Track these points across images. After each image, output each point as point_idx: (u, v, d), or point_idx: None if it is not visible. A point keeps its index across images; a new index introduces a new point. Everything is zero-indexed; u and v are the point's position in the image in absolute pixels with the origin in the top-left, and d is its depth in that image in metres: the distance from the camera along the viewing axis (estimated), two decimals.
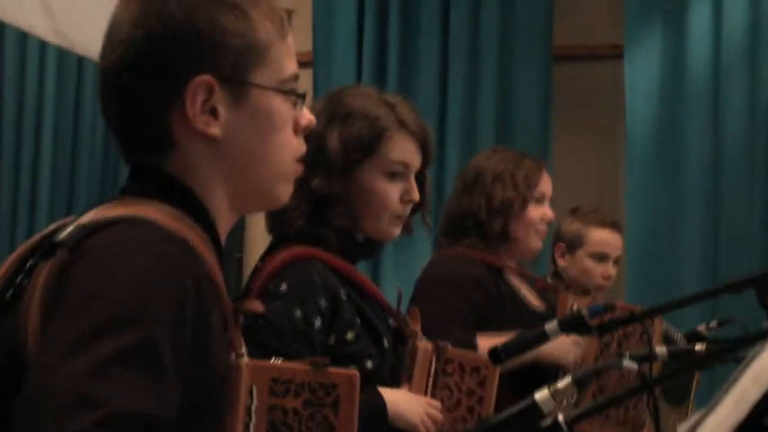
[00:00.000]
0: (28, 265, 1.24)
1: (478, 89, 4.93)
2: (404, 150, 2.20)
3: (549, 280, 3.42)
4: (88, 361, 1.06)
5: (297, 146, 1.36)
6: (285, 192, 1.37)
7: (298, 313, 2.00)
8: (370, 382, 1.97)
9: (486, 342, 2.52)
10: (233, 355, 1.28)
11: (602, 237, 3.41)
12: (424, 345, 2.08)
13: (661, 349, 2.34)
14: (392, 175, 2.19)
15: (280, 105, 1.33)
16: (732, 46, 4.58)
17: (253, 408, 1.36)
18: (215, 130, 1.29)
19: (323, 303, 2.03)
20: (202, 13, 1.28)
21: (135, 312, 1.10)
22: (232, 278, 4.96)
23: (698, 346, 2.39)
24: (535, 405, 1.38)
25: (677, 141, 4.65)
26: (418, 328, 2.17)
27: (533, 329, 2.14)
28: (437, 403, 2.08)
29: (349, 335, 2.06)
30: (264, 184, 1.34)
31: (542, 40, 4.92)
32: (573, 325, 2.03)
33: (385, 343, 2.13)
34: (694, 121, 4.62)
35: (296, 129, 1.36)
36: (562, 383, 1.38)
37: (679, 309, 2.12)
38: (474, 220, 2.88)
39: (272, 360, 1.60)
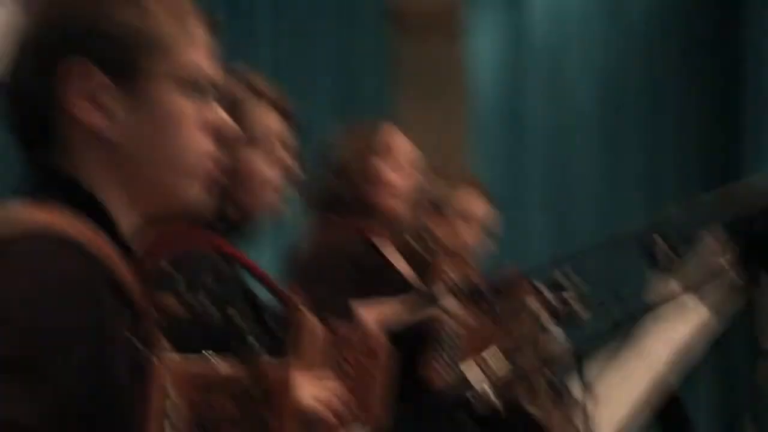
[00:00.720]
0: None
1: (316, 62, 4.88)
2: (261, 116, 2.15)
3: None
4: None
5: (203, 144, 1.26)
6: (192, 192, 1.27)
7: (182, 287, 1.93)
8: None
9: (365, 311, 2.50)
10: (146, 351, 1.20)
11: (469, 198, 3.36)
12: (312, 319, 2.04)
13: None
14: (253, 142, 2.14)
15: (180, 98, 1.24)
16: (569, 13, 4.72)
17: (170, 406, 1.28)
18: (99, 119, 1.20)
19: (210, 281, 1.97)
20: (87, 3, 1.22)
21: (20, 321, 1.05)
22: None
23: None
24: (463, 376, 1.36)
25: (520, 108, 4.77)
26: (299, 302, 2.12)
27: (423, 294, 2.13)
28: (332, 383, 2.03)
29: (231, 312, 2.01)
30: (162, 181, 1.25)
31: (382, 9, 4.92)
32: (460, 288, 2.03)
33: (267, 320, 2.09)
34: (535, 83, 4.75)
35: (206, 128, 1.27)
36: (489, 353, 1.36)
37: (559, 265, 2.15)
38: (332, 194, 2.87)
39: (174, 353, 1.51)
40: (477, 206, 3.40)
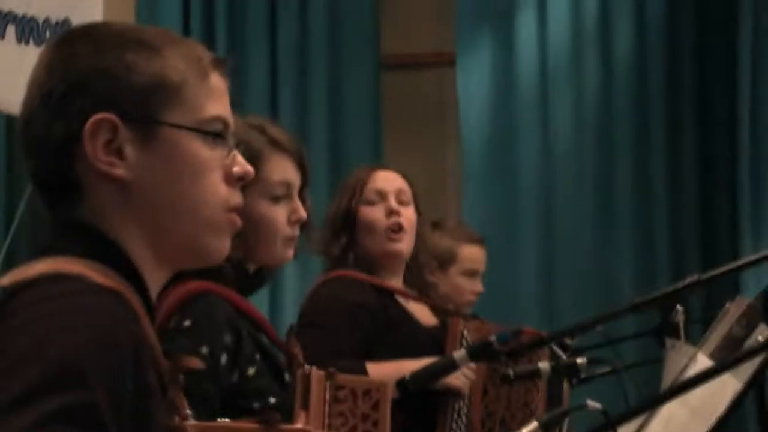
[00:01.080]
0: None
1: (309, 99, 4.89)
2: (283, 170, 2.13)
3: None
4: (21, 423, 0.97)
5: (226, 195, 1.25)
6: (216, 246, 1.25)
7: (204, 349, 1.89)
8: None
9: (376, 370, 2.47)
10: (176, 419, 1.19)
11: (472, 254, 3.38)
12: (316, 373, 2.01)
13: (543, 365, 2.38)
14: (276, 198, 2.11)
15: (198, 148, 1.23)
16: (557, 50, 4.75)
17: None
18: (120, 171, 1.19)
19: (228, 338, 1.94)
20: (109, 52, 1.21)
21: (71, 372, 1.02)
22: None
23: (579, 360, 2.44)
24: None
25: (510, 147, 4.77)
26: (301, 359, 2.09)
27: (441, 358, 2.11)
28: None
29: (251, 371, 1.98)
30: (185, 235, 1.23)
31: (370, 49, 4.92)
32: (482, 353, 2.01)
33: (287, 377, 2.05)
34: (525, 126, 4.76)
35: (228, 177, 1.25)
36: (528, 428, 1.35)
37: (585, 332, 2.14)
38: (337, 246, 2.81)
39: (218, 420, 1.49)
40: (478, 261, 3.39)
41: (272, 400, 1.99)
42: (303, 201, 2.16)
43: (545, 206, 4.73)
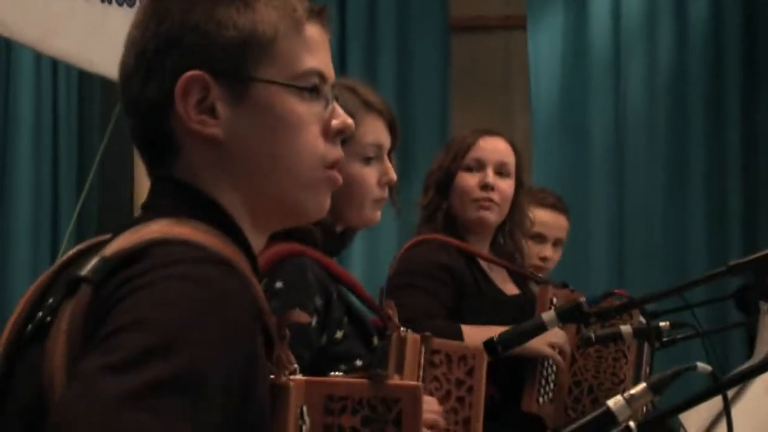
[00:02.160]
0: (51, 301, 1.13)
1: (377, 62, 4.87)
2: (376, 131, 2.12)
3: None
4: (123, 388, 0.94)
5: (324, 150, 1.22)
6: (315, 203, 1.24)
7: (297, 311, 1.90)
8: None
9: (469, 332, 2.46)
10: (283, 373, 1.18)
11: (540, 217, 3.28)
12: (412, 336, 2.00)
13: (626, 328, 2.36)
14: (367, 159, 2.11)
15: (294, 103, 1.20)
16: (631, 13, 4.68)
17: (305, 429, 1.25)
18: (214, 129, 1.17)
19: (318, 301, 1.94)
20: (199, 7, 1.19)
21: (178, 340, 0.99)
22: None
23: (662, 323, 2.42)
24: (609, 413, 1.33)
25: (581, 111, 4.72)
26: (397, 321, 2.08)
27: (530, 320, 2.10)
28: (433, 400, 2.00)
29: (339, 334, 1.98)
30: (282, 194, 1.21)
31: (439, 12, 4.89)
32: (572, 315, 2.00)
33: (375, 341, 2.05)
34: (597, 91, 4.71)
35: (326, 132, 1.23)
36: (637, 389, 1.34)
37: (678, 294, 2.11)
38: (431, 204, 2.82)
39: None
40: (547, 225, 3.35)
41: (359, 363, 1.99)
42: (392, 163, 2.16)
43: (616, 172, 4.68)
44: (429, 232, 2.79)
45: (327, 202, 1.26)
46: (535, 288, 2.89)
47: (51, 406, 1.02)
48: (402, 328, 2.02)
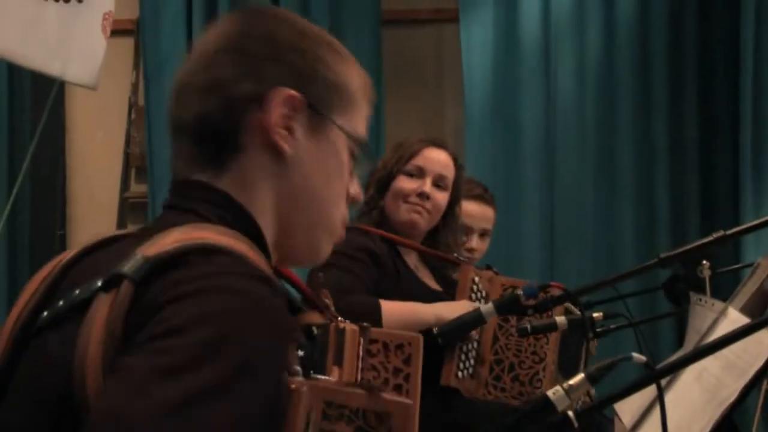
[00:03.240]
0: (77, 292, 1.13)
1: None
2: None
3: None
4: (168, 396, 0.96)
5: (344, 209, 1.33)
6: (326, 249, 1.33)
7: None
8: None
9: (389, 307, 2.49)
10: (294, 377, 1.20)
11: (466, 209, 3.34)
12: (350, 327, 2.03)
13: (560, 319, 2.42)
14: None
15: (347, 157, 1.30)
16: (560, 5, 4.75)
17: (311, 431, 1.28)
18: (287, 145, 1.24)
19: None
20: (308, 41, 1.28)
21: (222, 350, 1.01)
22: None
23: (595, 314, 2.48)
24: (548, 402, 1.37)
25: (512, 103, 4.78)
26: (334, 311, 2.11)
27: (470, 312, 2.13)
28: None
29: None
30: (312, 230, 1.30)
31: (371, 5, 4.92)
32: (509, 306, 2.04)
33: (314, 330, 2.07)
34: (528, 83, 4.76)
35: (347, 194, 1.33)
36: (576, 380, 1.38)
37: (611, 286, 2.17)
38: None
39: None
40: (473, 217, 3.39)
41: (300, 353, 2.00)
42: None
43: (547, 164, 4.75)
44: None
45: (330, 251, 1.35)
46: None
47: (82, 394, 1.04)
48: (340, 319, 2.04)
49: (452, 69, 4.99)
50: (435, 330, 2.07)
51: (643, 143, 4.74)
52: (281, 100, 1.23)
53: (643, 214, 4.73)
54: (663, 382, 1.55)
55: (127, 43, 5.09)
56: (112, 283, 1.09)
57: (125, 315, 1.06)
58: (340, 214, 1.31)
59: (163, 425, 0.95)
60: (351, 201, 1.34)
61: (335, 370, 1.93)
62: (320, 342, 2.01)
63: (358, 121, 1.31)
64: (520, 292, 2.10)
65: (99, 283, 1.10)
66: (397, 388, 2.17)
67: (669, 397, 1.72)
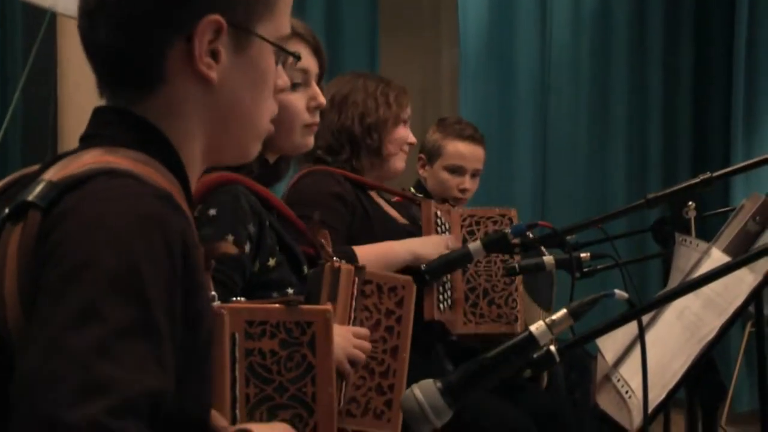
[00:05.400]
0: None
1: (307, 3, 4.84)
2: (301, 57, 2.14)
3: (412, 191, 3.43)
4: (89, 340, 0.98)
5: (273, 106, 1.31)
6: (256, 149, 1.32)
7: (230, 238, 1.91)
8: None
9: (364, 252, 2.51)
10: (211, 302, 1.22)
11: (458, 149, 3.39)
12: (345, 267, 2.04)
13: (548, 258, 2.43)
14: (294, 85, 2.12)
15: (272, 62, 1.27)
16: None
17: (237, 352, 1.31)
18: (214, 73, 1.22)
19: (252, 228, 1.96)
20: None
21: (130, 282, 1.02)
22: None
23: (583, 254, 2.50)
24: (531, 337, 1.39)
25: (507, 45, 4.76)
26: (330, 249, 2.11)
27: (457, 249, 2.14)
28: (364, 331, 2.04)
29: (271, 262, 2.00)
30: (242, 139, 1.29)
31: None
32: (497, 245, 2.05)
33: (305, 270, 2.08)
34: (523, 24, 4.75)
35: (274, 89, 1.31)
36: (558, 315, 1.40)
37: (599, 226, 2.18)
38: (348, 137, 2.85)
39: (238, 300, 1.53)
40: (465, 157, 3.40)
41: (290, 291, 2.02)
42: (320, 89, 2.18)
43: (541, 105, 4.75)
44: (333, 160, 2.85)
45: (260, 148, 1.33)
46: None
47: (2, 326, 1.05)
48: (335, 258, 2.05)
49: (449, 11, 4.96)
50: (423, 267, 2.08)
51: (636, 86, 4.74)
52: (205, 29, 1.19)
53: (635, 158, 4.75)
54: (645, 319, 1.57)
55: None
56: (20, 211, 1.09)
57: (35, 244, 1.07)
58: (267, 114, 1.29)
59: (84, 374, 0.97)
60: (280, 92, 1.33)
61: (329, 306, 1.95)
62: (313, 279, 2.04)
63: (282, 18, 1.27)
64: (508, 230, 2.11)
65: (6, 212, 1.10)
66: (389, 330, 2.19)
67: (650, 335, 1.74)
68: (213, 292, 1.28)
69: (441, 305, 2.71)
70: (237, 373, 1.36)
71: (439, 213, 2.79)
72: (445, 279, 2.72)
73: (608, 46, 4.74)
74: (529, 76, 4.75)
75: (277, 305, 1.48)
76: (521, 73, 4.75)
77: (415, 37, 5.07)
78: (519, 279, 2.80)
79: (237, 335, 1.34)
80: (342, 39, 4.83)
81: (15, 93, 3.86)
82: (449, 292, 2.75)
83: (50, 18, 3.67)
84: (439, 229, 2.76)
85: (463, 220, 2.79)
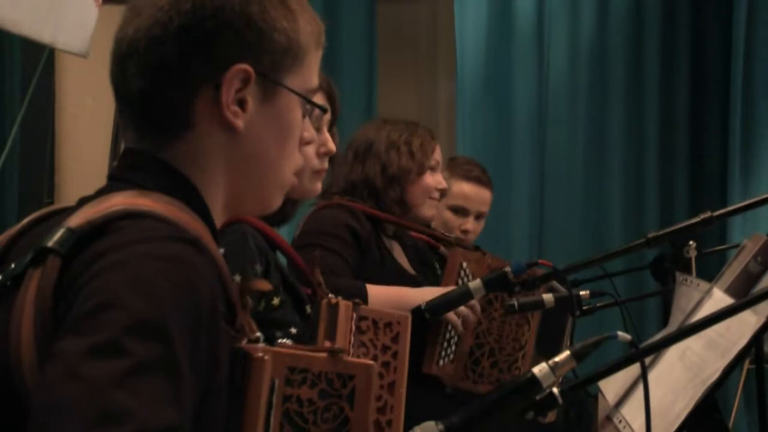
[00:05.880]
0: (12, 266, 1.13)
1: None
2: (327, 110, 2.14)
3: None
4: (108, 372, 0.97)
5: (298, 159, 1.31)
6: (278, 202, 1.33)
7: (237, 278, 1.91)
8: None
9: (376, 292, 2.50)
10: (245, 341, 1.21)
11: (463, 190, 3.38)
12: (344, 303, 2.03)
13: (547, 297, 2.42)
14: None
15: (298, 113, 1.27)
16: None
17: (275, 399, 1.29)
18: (240, 122, 1.22)
19: (258, 268, 1.96)
20: (255, 3, 1.23)
21: (155, 321, 1.02)
22: None
23: (582, 292, 2.49)
24: (534, 379, 1.38)
25: (505, 79, 4.77)
26: (326, 288, 2.11)
27: (458, 288, 2.13)
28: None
29: (276, 300, 2.00)
30: (264, 190, 1.29)
31: None
32: (498, 284, 2.04)
33: (308, 309, 2.07)
34: (521, 58, 4.76)
35: (300, 141, 1.31)
36: (561, 357, 1.39)
37: (598, 264, 2.18)
38: (369, 188, 2.85)
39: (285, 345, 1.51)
40: (469, 199, 3.40)
41: (293, 330, 2.01)
42: (332, 135, 2.18)
43: (538, 139, 4.76)
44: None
45: (282, 200, 1.34)
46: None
47: (18, 373, 1.04)
48: (332, 295, 2.05)
49: (447, 44, 4.98)
50: (423, 305, 2.08)
51: (633, 123, 4.74)
52: (233, 77, 1.20)
53: (631, 195, 4.75)
54: (647, 360, 1.56)
55: (119, 11, 5.06)
56: (40, 257, 1.09)
57: (53, 290, 1.06)
58: (292, 167, 1.30)
59: (100, 403, 0.96)
60: (306, 144, 1.34)
61: (327, 345, 1.94)
62: (314, 318, 2.03)
63: (311, 72, 1.28)
64: (507, 269, 2.10)
65: (29, 258, 1.10)
66: (385, 366, 2.18)
67: (652, 376, 1.73)
68: (258, 333, 1.26)
69: (442, 360, 2.70)
70: (272, 420, 1.33)
71: (464, 264, 2.77)
72: (453, 333, 2.70)
73: (605, 79, 4.75)
74: (526, 109, 4.76)
75: (322, 354, 1.45)
76: (518, 106, 4.76)
77: (413, 70, 5.08)
78: (530, 346, 2.78)
79: (277, 382, 1.31)
80: (340, 71, 4.84)
81: (13, 128, 3.85)
82: (453, 347, 2.73)
83: (48, 54, 3.68)
84: (461, 281, 2.73)
85: (492, 270, 2.73)
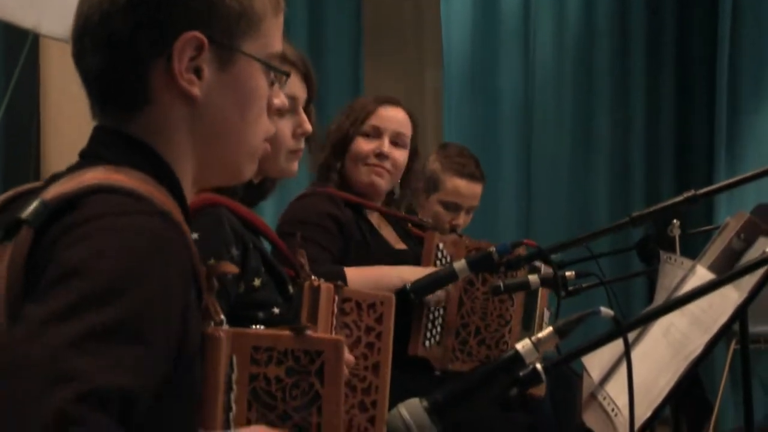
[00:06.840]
0: None
1: (290, 19, 4.84)
2: (289, 83, 2.13)
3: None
4: (67, 334, 1.00)
5: (268, 125, 1.32)
6: (249, 169, 1.33)
7: (212, 262, 1.90)
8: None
9: (354, 274, 2.50)
10: (210, 323, 1.22)
11: (457, 187, 3.34)
12: (325, 285, 2.04)
13: (533, 277, 2.43)
14: (281, 112, 2.12)
15: (261, 80, 1.28)
16: None
17: (234, 378, 1.30)
18: (197, 90, 1.23)
19: (235, 251, 1.96)
20: None
21: (120, 286, 1.04)
22: None
23: (568, 273, 2.50)
24: (518, 355, 1.39)
25: (491, 67, 4.79)
26: (308, 270, 2.11)
27: (443, 268, 2.13)
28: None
29: (257, 282, 2.00)
30: (232, 158, 1.29)
31: None
32: (482, 264, 2.05)
33: (290, 289, 2.08)
34: (507, 47, 4.77)
35: (269, 108, 1.31)
36: (544, 333, 1.39)
37: (584, 245, 2.18)
38: (330, 168, 2.87)
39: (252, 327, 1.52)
40: (461, 195, 3.37)
41: (276, 311, 2.02)
42: (309, 115, 2.18)
43: (524, 126, 4.78)
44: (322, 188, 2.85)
45: (255, 168, 1.34)
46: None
47: None
48: (314, 277, 2.05)
49: (432, 32, 4.98)
50: (407, 286, 2.08)
51: (619, 110, 4.76)
52: (184, 46, 1.20)
53: (618, 183, 4.76)
54: (630, 336, 1.57)
55: None
56: (13, 229, 1.10)
57: (25, 262, 1.08)
58: (260, 133, 1.30)
59: (55, 364, 0.98)
60: (276, 112, 1.34)
61: (315, 330, 1.95)
62: (297, 299, 2.03)
63: (270, 37, 1.28)
64: (492, 249, 2.11)
65: (3, 229, 1.11)
66: (369, 346, 2.19)
67: (636, 352, 1.74)
68: (222, 316, 1.27)
69: (428, 341, 2.70)
70: (232, 397, 1.34)
71: (441, 245, 2.77)
72: (436, 314, 2.71)
73: (591, 65, 4.77)
74: (512, 95, 4.77)
75: (286, 332, 1.46)
76: (505, 93, 4.78)
77: (399, 59, 5.08)
78: (516, 321, 2.79)
79: (235, 358, 1.32)
80: (326, 60, 4.84)
81: None
82: (438, 328, 2.74)
83: (32, 39, 3.66)
84: (438, 262, 2.74)
85: (469, 251, 2.74)
